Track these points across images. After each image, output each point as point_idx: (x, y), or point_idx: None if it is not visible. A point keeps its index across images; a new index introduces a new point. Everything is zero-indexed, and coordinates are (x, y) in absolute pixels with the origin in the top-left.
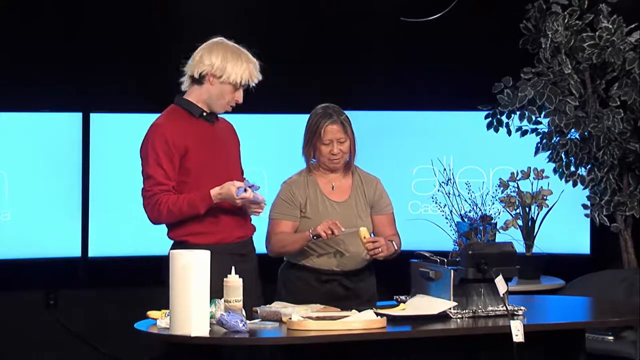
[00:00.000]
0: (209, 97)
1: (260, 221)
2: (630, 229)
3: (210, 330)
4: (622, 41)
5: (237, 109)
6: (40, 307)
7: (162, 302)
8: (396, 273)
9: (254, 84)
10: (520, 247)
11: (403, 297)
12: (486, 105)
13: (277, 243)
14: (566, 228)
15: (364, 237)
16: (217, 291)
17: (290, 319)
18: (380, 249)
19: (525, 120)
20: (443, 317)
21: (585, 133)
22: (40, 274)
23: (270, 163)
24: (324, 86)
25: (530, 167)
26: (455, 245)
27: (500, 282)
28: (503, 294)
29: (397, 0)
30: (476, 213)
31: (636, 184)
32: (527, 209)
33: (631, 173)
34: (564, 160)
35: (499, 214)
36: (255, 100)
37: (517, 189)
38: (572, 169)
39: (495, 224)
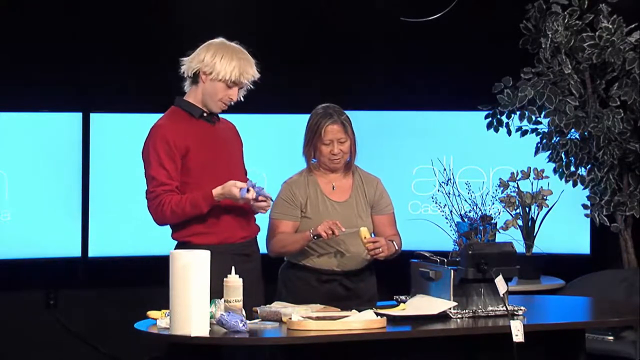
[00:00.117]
0: (203, 96)
1: (262, 221)
2: (630, 229)
3: (210, 330)
4: (622, 41)
5: (238, 109)
6: (40, 307)
7: (162, 302)
8: (396, 273)
9: (248, 82)
10: (520, 247)
11: (403, 297)
12: (486, 105)
13: (277, 243)
14: (566, 228)
15: (365, 237)
16: (220, 291)
17: (290, 319)
18: (380, 249)
19: (525, 120)
20: (443, 317)
21: (585, 133)
22: (40, 274)
23: (270, 163)
24: (324, 86)
25: (530, 167)
26: (455, 245)
27: (500, 282)
28: (503, 294)
29: (397, 0)
30: (476, 213)
31: (636, 184)
32: (527, 209)
33: (631, 173)
34: (564, 160)
35: (499, 214)
36: (255, 100)
37: (517, 189)
38: (572, 169)
39: (495, 224)
